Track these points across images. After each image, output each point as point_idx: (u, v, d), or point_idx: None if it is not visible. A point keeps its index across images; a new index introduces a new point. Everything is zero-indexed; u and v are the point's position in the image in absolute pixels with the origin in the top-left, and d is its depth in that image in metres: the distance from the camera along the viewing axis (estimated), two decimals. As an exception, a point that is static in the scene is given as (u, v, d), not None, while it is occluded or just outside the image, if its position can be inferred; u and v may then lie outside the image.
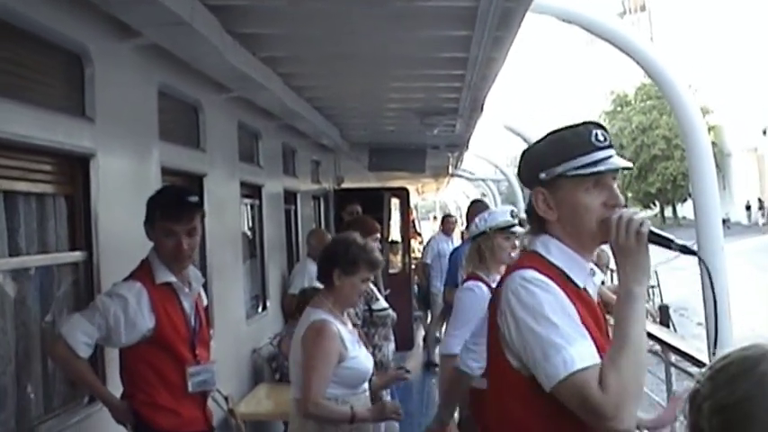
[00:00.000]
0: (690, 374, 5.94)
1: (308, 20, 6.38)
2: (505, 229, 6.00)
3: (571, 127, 3.11)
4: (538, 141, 3.17)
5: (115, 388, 4.91)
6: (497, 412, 3.04)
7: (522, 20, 5.74)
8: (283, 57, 7.52)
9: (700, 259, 3.17)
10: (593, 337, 2.84)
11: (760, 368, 2.09)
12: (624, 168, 3.09)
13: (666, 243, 2.94)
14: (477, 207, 10.03)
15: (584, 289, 3.05)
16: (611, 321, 2.97)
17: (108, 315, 4.61)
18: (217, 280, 7.60)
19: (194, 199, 5.00)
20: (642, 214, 2.95)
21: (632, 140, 72.62)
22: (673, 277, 34.68)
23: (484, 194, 29.36)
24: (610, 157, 3.02)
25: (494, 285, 5.19)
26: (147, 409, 4.77)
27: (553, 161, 3.01)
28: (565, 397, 2.74)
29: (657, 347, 7.64)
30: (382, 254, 12.52)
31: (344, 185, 16.60)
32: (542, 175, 3.02)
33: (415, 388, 14.23)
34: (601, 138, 3.02)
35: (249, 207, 9.85)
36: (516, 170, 3.31)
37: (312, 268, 10.53)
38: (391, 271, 15.76)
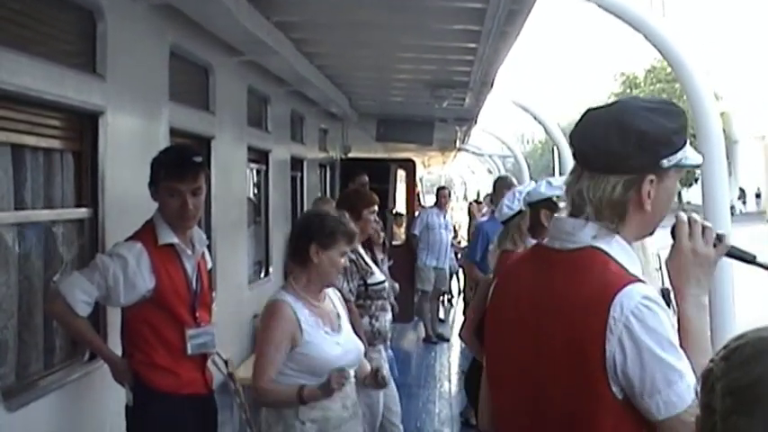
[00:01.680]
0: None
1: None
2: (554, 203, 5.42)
3: (668, 104, 2.79)
4: (645, 119, 2.66)
5: (116, 347, 4.91)
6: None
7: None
8: (296, 21, 7.50)
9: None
10: None
11: None
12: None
13: (749, 259, 2.76)
14: (503, 183, 10.02)
15: None
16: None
17: (107, 274, 4.60)
18: (221, 243, 7.58)
19: (198, 159, 4.96)
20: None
21: (640, 123, 72.52)
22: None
23: (490, 171, 29.29)
24: None
25: None
26: (146, 368, 4.77)
27: (677, 147, 2.68)
28: (680, 427, 2.49)
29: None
30: (386, 226, 12.57)
31: (351, 155, 16.53)
32: (665, 162, 2.65)
33: (414, 361, 14.30)
34: None
35: (255, 172, 9.84)
36: (594, 145, 2.69)
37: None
38: (395, 243, 15.71)
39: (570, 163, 8.29)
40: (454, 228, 17.92)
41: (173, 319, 4.83)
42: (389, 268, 11.55)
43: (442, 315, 17.59)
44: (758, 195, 64.44)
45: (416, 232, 15.68)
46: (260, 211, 10.12)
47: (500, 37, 7.13)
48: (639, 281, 2.54)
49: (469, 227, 17.00)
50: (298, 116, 11.90)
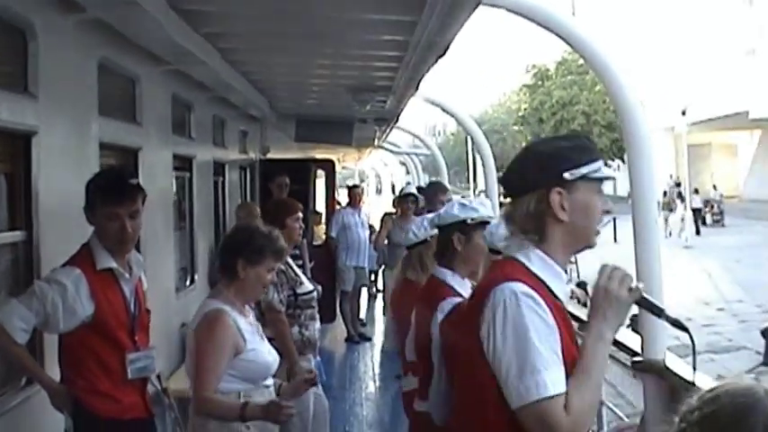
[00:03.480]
0: (622, 363, 6.00)
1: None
2: (486, 224, 5.22)
3: (573, 134, 3.38)
4: (545, 142, 3.30)
5: (54, 373, 4.86)
6: (466, 416, 3.08)
7: (474, 9, 5.71)
8: (222, 32, 7.45)
9: (690, 336, 3.19)
10: (569, 351, 2.93)
11: (751, 419, 2.05)
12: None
13: (657, 311, 3.11)
14: (437, 188, 10.03)
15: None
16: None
17: (46, 301, 4.56)
18: (149, 253, 7.50)
19: (135, 181, 4.97)
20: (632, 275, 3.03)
21: (552, 115, 73.26)
22: (589, 253, 35.09)
23: (403, 163, 29.35)
24: None
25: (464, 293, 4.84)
26: (87, 395, 4.73)
27: (578, 162, 3.04)
28: (528, 418, 2.81)
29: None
30: (307, 227, 12.56)
31: (271, 156, 16.45)
32: (567, 175, 3.01)
33: (338, 362, 14.30)
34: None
35: (180, 179, 9.75)
36: (508, 170, 3.20)
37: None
38: (315, 243, 15.69)
39: (485, 154, 8.39)
40: (371, 226, 17.93)
41: (112, 344, 4.80)
42: (311, 269, 11.59)
43: (362, 315, 17.59)
44: (678, 185, 65.58)
45: (333, 234, 15.65)
46: (185, 217, 10.05)
47: (428, 48, 7.14)
48: (521, 281, 2.90)
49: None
50: (219, 120, 11.83)
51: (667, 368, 5.73)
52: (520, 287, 2.89)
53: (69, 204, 5.14)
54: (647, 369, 5.73)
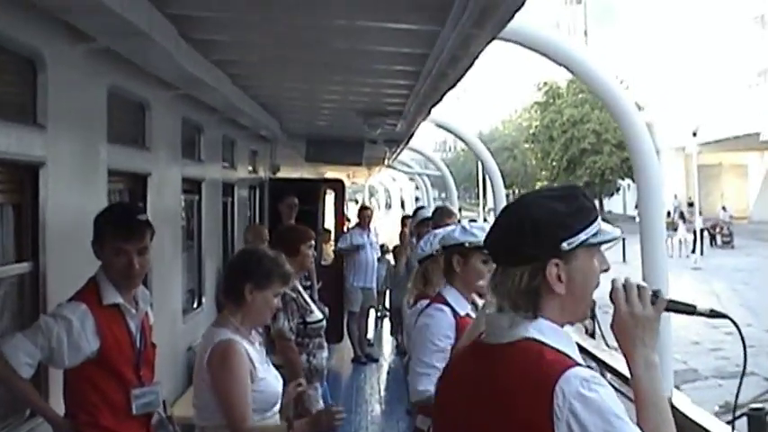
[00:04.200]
0: (623, 395, 5.93)
1: (257, 27, 6.31)
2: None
3: (566, 189, 2.85)
4: (538, 207, 2.76)
5: (58, 406, 4.84)
6: None
7: (486, 45, 5.70)
8: (233, 60, 7.46)
9: (733, 322, 2.90)
10: None
11: None
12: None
13: (690, 310, 2.85)
14: (443, 212, 10.00)
15: None
16: None
17: (51, 337, 4.55)
18: (156, 277, 7.51)
19: (144, 217, 4.94)
20: (644, 282, 2.81)
21: (563, 133, 73.40)
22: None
23: (412, 179, 29.36)
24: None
25: (461, 312, 5.09)
26: (90, 429, 4.72)
27: (577, 228, 2.72)
28: None
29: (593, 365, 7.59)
30: (316, 247, 12.54)
31: (280, 175, 16.46)
32: (564, 245, 2.69)
33: (345, 383, 14.27)
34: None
35: (188, 201, 9.74)
36: (496, 240, 2.84)
37: (248, 263, 10.52)
38: (323, 263, 15.68)
39: (494, 176, 8.31)
40: (382, 247, 17.92)
41: (117, 380, 4.79)
42: (319, 290, 11.56)
43: (370, 335, 17.56)
44: (691, 204, 65.45)
45: (342, 246, 15.74)
46: (192, 238, 10.03)
47: (440, 78, 7.15)
48: (576, 364, 2.60)
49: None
50: (229, 141, 11.82)
51: (674, 407, 5.67)
52: (585, 372, 2.59)
53: (77, 233, 5.14)
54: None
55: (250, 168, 14.21)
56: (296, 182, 17.26)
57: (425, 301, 5.38)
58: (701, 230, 49.25)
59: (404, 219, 20.87)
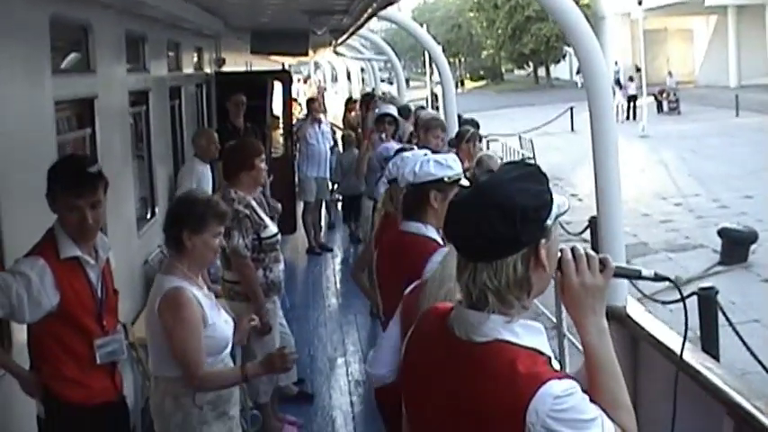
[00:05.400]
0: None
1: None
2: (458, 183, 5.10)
3: (523, 167, 2.83)
4: (518, 194, 2.66)
5: (23, 360, 4.88)
6: None
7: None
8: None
9: (677, 286, 2.99)
10: None
11: None
12: None
13: (636, 275, 2.92)
14: (429, 123, 9.84)
15: None
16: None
17: (10, 294, 4.54)
18: (110, 197, 7.46)
19: (95, 168, 4.88)
20: (591, 251, 2.82)
21: (507, 1, 72.85)
22: (547, 143, 35.25)
23: (363, 69, 29.10)
24: None
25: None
26: (55, 381, 4.78)
27: (551, 204, 2.72)
28: None
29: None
30: (265, 142, 12.46)
31: (225, 69, 16.25)
32: (548, 223, 2.69)
33: (298, 276, 14.38)
34: None
35: (136, 113, 9.62)
36: (468, 237, 2.68)
37: (200, 168, 10.51)
38: (274, 155, 15.61)
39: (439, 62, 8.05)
40: (334, 133, 17.85)
41: (80, 331, 4.81)
42: (271, 183, 11.53)
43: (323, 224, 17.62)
44: (638, 70, 65.28)
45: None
46: (143, 151, 9.95)
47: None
48: (549, 377, 2.57)
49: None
50: (173, 44, 11.65)
51: (629, 316, 5.82)
52: (555, 388, 2.56)
53: (25, 173, 5.14)
54: (609, 316, 5.77)
55: (196, 66, 14.04)
56: (242, 75, 17.09)
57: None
58: (629, 98, 49.14)
59: (348, 102, 20.84)
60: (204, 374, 4.84)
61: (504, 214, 2.62)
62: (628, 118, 47.43)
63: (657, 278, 2.89)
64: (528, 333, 2.68)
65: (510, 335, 2.66)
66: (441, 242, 4.89)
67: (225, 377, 4.98)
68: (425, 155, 5.25)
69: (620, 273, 2.89)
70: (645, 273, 2.90)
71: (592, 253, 2.80)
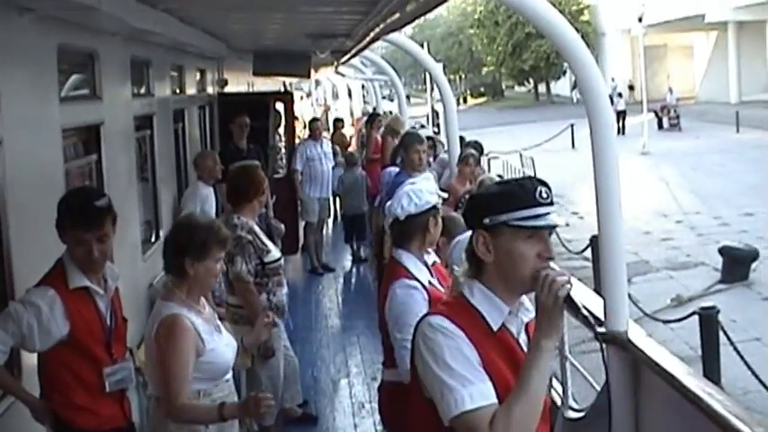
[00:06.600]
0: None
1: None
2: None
3: (520, 179, 3.43)
4: (488, 188, 3.62)
5: (33, 388, 4.93)
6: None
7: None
8: (178, 4, 7.40)
9: (597, 338, 3.76)
10: (502, 377, 3.17)
11: None
12: (555, 227, 3.32)
13: (575, 310, 3.21)
14: (413, 138, 9.82)
15: (503, 329, 3.30)
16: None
17: (21, 323, 4.61)
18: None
19: (103, 203, 4.90)
20: (565, 278, 3.15)
21: (507, 18, 72.97)
22: (548, 161, 35.23)
23: (364, 86, 29.12)
24: (549, 213, 3.24)
25: (426, 282, 5.12)
26: (65, 409, 4.83)
27: (498, 209, 3.24)
28: (458, 427, 3.12)
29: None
30: (267, 163, 12.48)
31: (228, 90, 16.31)
32: (486, 221, 3.25)
33: (300, 297, 14.37)
34: (544, 195, 3.24)
35: (141, 138, 9.69)
36: (462, 211, 3.55)
37: (203, 191, 10.56)
38: (276, 176, 15.65)
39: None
40: (335, 154, 17.85)
41: (89, 360, 4.87)
42: (274, 205, 11.57)
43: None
44: (631, 88, 65.45)
45: (298, 167, 15.62)
46: (147, 175, 10.01)
47: (390, 14, 7.10)
48: (442, 314, 3.27)
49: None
50: (177, 67, 11.73)
51: (630, 341, 5.84)
52: (435, 319, 3.25)
53: (35, 201, 5.19)
54: (611, 341, 5.82)
55: (199, 88, 14.12)
56: (244, 96, 17.16)
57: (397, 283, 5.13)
58: (618, 113, 49.10)
59: (336, 122, 20.88)
60: (182, 405, 4.80)
61: (468, 199, 3.63)
62: (618, 133, 47.42)
63: (588, 323, 3.25)
64: (482, 297, 3.31)
65: (468, 293, 3.34)
66: (422, 281, 5.12)
67: (201, 413, 4.93)
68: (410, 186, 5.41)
69: (569, 303, 3.18)
70: (584, 312, 3.21)
71: (560, 278, 3.15)
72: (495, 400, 3.09)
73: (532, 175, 29.43)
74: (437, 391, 3.14)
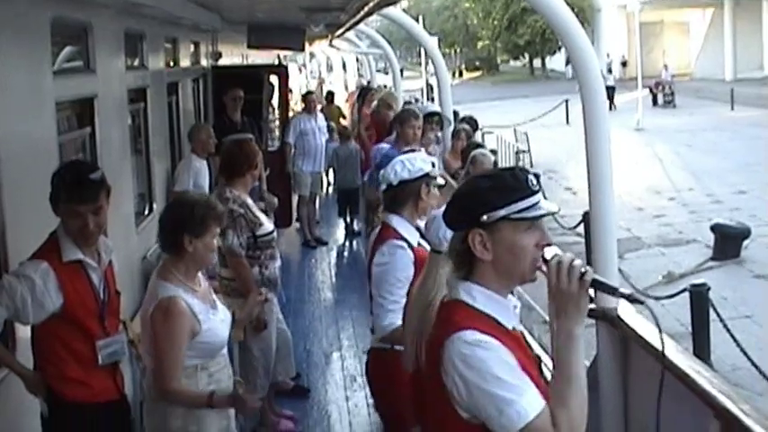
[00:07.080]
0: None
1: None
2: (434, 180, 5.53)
3: (505, 170, 3.26)
4: (466, 184, 3.33)
5: (27, 360, 4.96)
6: None
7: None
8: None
9: (650, 310, 3.27)
10: (530, 374, 3.05)
11: None
12: (555, 213, 3.29)
13: (610, 290, 3.12)
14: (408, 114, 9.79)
15: (514, 327, 3.20)
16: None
17: (14, 296, 4.63)
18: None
19: (97, 175, 4.90)
20: (579, 260, 3.05)
21: (503, -9, 72.84)
22: (542, 136, 35.25)
23: (358, 59, 29.06)
24: (539, 201, 3.17)
25: (414, 243, 5.29)
26: (58, 381, 4.86)
27: (495, 204, 3.08)
28: None
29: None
30: (261, 136, 12.46)
31: (222, 62, 16.28)
32: (484, 218, 3.08)
33: (294, 270, 14.39)
34: (534, 183, 3.16)
35: (135, 111, 9.68)
36: (443, 212, 3.32)
37: (196, 164, 10.56)
38: (270, 149, 15.65)
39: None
40: (329, 129, 17.80)
41: (82, 333, 4.89)
42: (267, 177, 11.57)
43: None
44: (624, 64, 65.45)
45: (291, 140, 15.62)
46: (141, 147, 10.01)
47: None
48: (470, 328, 3.03)
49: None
50: (171, 39, 11.71)
51: (619, 318, 5.87)
52: (469, 335, 3.01)
53: (30, 175, 5.21)
54: (600, 317, 5.86)
55: (193, 61, 14.09)
56: (238, 69, 17.11)
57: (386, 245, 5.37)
58: (607, 88, 48.95)
59: (328, 95, 20.84)
60: (174, 390, 4.86)
61: (452, 198, 3.29)
62: (609, 109, 47.37)
63: (631, 299, 3.10)
64: (485, 299, 3.15)
65: (468, 297, 3.17)
66: (410, 242, 5.32)
67: (191, 399, 4.95)
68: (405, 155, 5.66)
69: (597, 286, 3.08)
70: (622, 290, 3.08)
71: (576, 262, 3.03)
72: (544, 401, 2.97)
73: (520, 165, 29.50)
74: (491, 409, 2.94)
